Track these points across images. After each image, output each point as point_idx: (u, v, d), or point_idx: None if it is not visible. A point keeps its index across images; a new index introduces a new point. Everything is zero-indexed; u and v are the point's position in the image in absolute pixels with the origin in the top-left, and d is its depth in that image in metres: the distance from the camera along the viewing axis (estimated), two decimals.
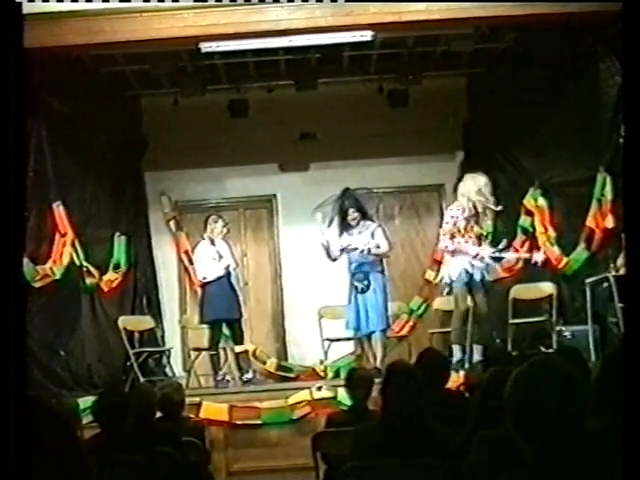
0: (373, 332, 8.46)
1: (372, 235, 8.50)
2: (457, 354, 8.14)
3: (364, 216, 8.58)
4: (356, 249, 8.41)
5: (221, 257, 9.07)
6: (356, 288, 8.44)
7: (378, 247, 8.49)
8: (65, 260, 8.48)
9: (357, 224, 8.53)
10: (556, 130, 8.79)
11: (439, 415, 3.97)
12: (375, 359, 8.41)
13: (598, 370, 3.36)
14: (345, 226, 8.55)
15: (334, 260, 8.58)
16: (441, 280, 8.85)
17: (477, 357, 8.20)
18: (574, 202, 8.54)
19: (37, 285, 7.91)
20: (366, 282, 8.40)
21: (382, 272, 8.58)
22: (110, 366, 9.39)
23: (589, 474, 2.18)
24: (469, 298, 8.32)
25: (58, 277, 8.31)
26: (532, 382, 2.23)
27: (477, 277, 8.15)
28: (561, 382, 2.21)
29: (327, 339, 9.61)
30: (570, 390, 2.21)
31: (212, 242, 9.17)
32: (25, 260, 7.49)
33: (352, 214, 8.50)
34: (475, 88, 10.68)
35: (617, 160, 7.10)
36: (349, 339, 9.24)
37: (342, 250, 8.48)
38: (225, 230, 9.25)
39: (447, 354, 7.75)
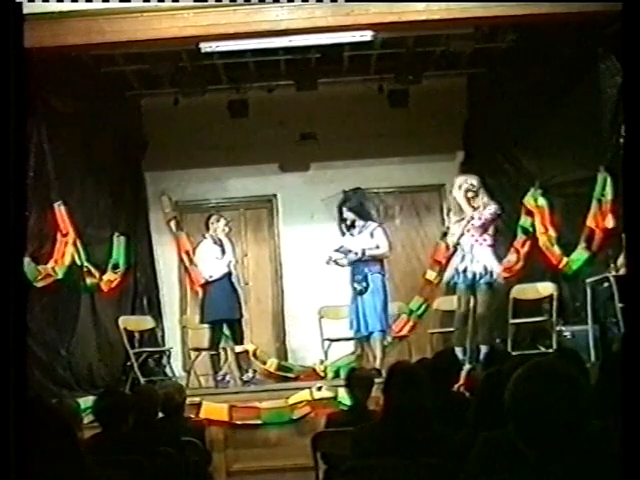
0: (372, 333, 8.46)
1: (371, 235, 8.51)
2: (459, 355, 8.14)
3: (362, 218, 8.60)
4: (350, 251, 8.41)
5: (224, 253, 9.08)
6: (355, 289, 8.45)
7: (377, 247, 8.50)
8: (67, 260, 8.49)
9: (355, 226, 8.55)
10: (556, 130, 8.78)
11: (440, 415, 3.98)
12: (375, 360, 8.41)
13: (598, 371, 3.36)
14: (345, 227, 8.60)
15: (350, 264, 8.57)
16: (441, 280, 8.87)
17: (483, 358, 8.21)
18: (574, 202, 8.53)
19: (39, 285, 7.91)
20: (364, 284, 8.40)
21: (382, 273, 8.58)
22: (110, 366, 9.39)
23: (590, 475, 2.18)
24: (472, 298, 8.35)
25: (60, 277, 8.32)
26: (533, 384, 2.23)
27: (476, 277, 8.16)
28: (562, 383, 2.21)
29: (327, 339, 9.61)
30: (571, 391, 2.20)
31: (215, 241, 9.17)
32: (27, 260, 7.50)
33: (350, 217, 8.54)
34: (475, 88, 10.68)
35: (617, 160, 7.10)
36: (349, 339, 9.24)
37: (336, 251, 8.49)
38: (227, 228, 9.27)
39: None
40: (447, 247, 8.43)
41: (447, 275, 8.51)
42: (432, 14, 7.21)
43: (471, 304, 8.27)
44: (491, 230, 8.29)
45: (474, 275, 8.13)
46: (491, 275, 8.15)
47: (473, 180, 8.35)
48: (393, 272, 9.98)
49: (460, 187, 8.28)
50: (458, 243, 8.25)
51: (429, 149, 10.55)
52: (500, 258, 8.57)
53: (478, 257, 8.12)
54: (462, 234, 8.19)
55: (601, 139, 7.73)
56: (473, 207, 8.18)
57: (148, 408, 5.03)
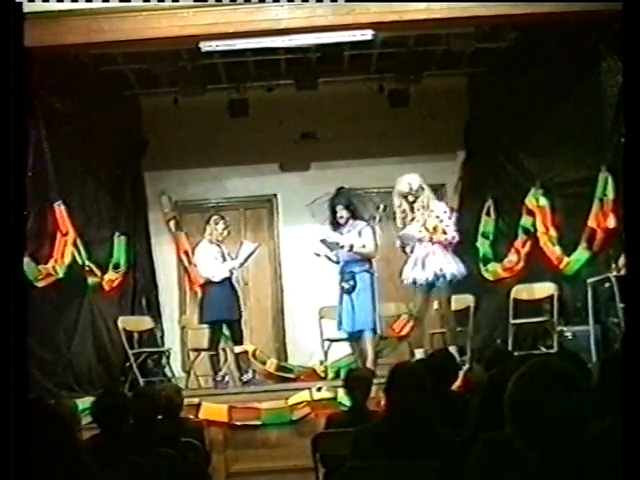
0: (361, 332, 8.44)
1: (359, 234, 8.46)
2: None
3: (353, 215, 8.55)
4: (337, 244, 8.39)
5: (224, 259, 9.03)
6: (342, 288, 8.44)
7: (364, 247, 8.44)
8: (67, 259, 8.47)
9: (346, 223, 8.52)
10: (558, 130, 8.77)
11: (441, 416, 3.96)
12: (365, 360, 8.38)
13: (599, 371, 3.35)
14: (335, 224, 8.57)
15: (338, 262, 8.56)
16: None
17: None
18: (576, 202, 8.52)
19: (40, 284, 7.89)
20: (352, 282, 8.37)
21: (370, 272, 8.51)
22: (110, 366, 9.37)
23: (591, 475, 2.16)
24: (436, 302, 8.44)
25: (61, 276, 8.30)
26: (533, 383, 2.22)
27: (428, 281, 8.19)
28: (562, 383, 2.20)
29: (327, 339, 9.59)
30: (571, 391, 2.19)
31: (211, 241, 9.13)
32: (27, 260, 7.48)
33: (340, 211, 8.49)
34: (476, 87, 10.67)
35: (619, 160, 7.08)
36: (349, 339, 9.21)
37: (322, 242, 8.46)
38: (226, 233, 9.18)
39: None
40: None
41: (404, 281, 8.51)
42: (433, 13, 7.20)
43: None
44: (446, 227, 8.28)
45: (426, 280, 8.18)
46: (444, 278, 8.17)
47: (413, 182, 8.32)
48: (393, 272, 9.95)
49: (399, 194, 8.31)
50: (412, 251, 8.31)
51: (430, 149, 10.53)
52: (458, 256, 8.56)
53: (427, 265, 8.16)
54: (406, 245, 8.27)
55: (602, 139, 7.72)
56: (416, 209, 8.24)
57: (147, 409, 5.01)
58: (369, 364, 8.20)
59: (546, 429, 2.15)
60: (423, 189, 8.33)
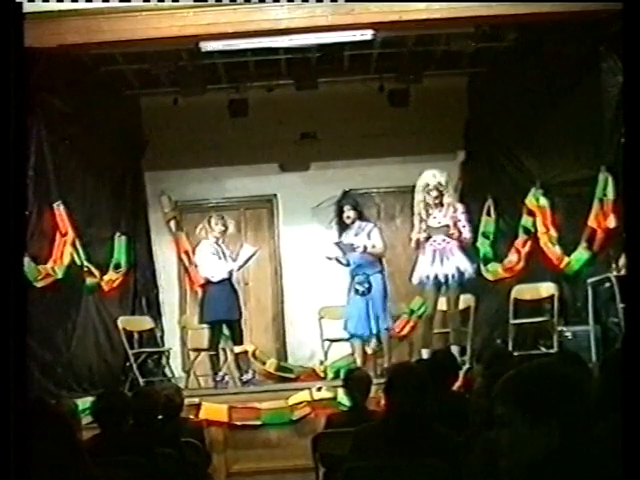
0: (378, 332, 8.49)
1: (368, 235, 8.53)
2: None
3: (360, 216, 8.62)
4: (351, 245, 8.42)
5: (225, 259, 9.02)
6: (357, 290, 8.44)
7: (374, 247, 8.51)
8: (66, 260, 8.46)
9: (353, 223, 8.58)
10: (558, 130, 8.76)
11: (441, 416, 3.96)
12: (383, 357, 8.50)
13: (599, 371, 3.35)
14: (342, 226, 8.60)
15: (347, 265, 8.58)
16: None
17: None
18: (576, 202, 8.52)
19: (39, 285, 7.88)
20: (367, 285, 8.41)
21: (382, 273, 8.60)
22: (110, 367, 9.37)
23: (591, 475, 2.16)
24: (443, 300, 8.43)
25: (60, 276, 8.30)
26: (534, 384, 2.21)
27: (448, 279, 8.18)
28: (564, 384, 2.20)
29: (327, 339, 9.61)
30: (573, 392, 2.19)
31: (213, 240, 9.13)
32: (26, 260, 7.47)
33: (347, 212, 8.56)
34: (476, 87, 10.66)
35: (619, 160, 7.08)
36: (349, 340, 9.22)
37: (336, 244, 8.48)
38: (225, 232, 9.15)
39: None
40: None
41: (415, 279, 8.49)
42: (433, 13, 7.20)
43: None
44: (462, 227, 8.29)
45: (446, 277, 8.17)
46: (463, 275, 8.18)
47: (441, 178, 8.34)
48: (394, 272, 9.96)
49: (425, 187, 8.28)
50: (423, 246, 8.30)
51: (430, 149, 10.52)
52: (470, 256, 8.56)
53: (449, 260, 8.16)
54: (428, 237, 8.24)
55: (602, 139, 7.71)
56: (439, 204, 8.22)
57: (147, 409, 5.01)
58: (387, 361, 8.44)
59: (547, 430, 2.15)
60: (447, 185, 8.36)
